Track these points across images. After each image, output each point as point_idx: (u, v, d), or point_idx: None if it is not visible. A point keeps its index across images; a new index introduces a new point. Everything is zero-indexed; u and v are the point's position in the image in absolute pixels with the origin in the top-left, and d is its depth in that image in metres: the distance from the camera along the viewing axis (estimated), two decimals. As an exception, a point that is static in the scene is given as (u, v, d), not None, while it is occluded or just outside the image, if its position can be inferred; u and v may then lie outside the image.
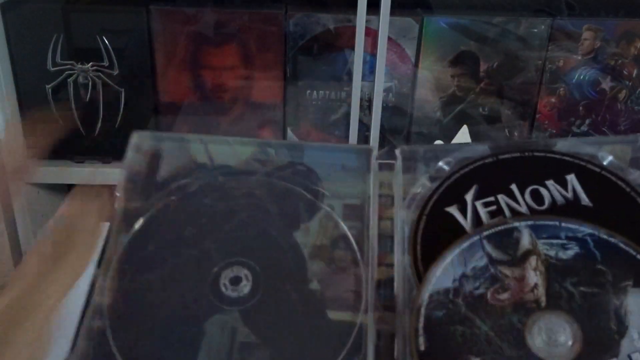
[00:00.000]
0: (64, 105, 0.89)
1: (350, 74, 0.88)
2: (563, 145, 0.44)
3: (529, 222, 0.41)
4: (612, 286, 0.38)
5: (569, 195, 0.42)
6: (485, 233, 0.41)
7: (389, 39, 0.85)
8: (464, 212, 0.42)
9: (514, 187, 0.43)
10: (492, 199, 0.42)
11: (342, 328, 0.39)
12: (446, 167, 0.45)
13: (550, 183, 0.43)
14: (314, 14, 0.86)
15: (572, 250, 0.39)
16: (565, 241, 0.40)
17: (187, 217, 0.43)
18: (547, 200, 0.42)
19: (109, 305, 0.39)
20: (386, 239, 0.43)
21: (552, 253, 0.39)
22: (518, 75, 0.90)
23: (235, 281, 0.40)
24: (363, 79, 0.86)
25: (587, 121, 0.91)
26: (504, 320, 0.38)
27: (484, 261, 0.40)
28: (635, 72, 0.89)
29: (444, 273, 0.39)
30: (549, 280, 0.38)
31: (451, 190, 0.43)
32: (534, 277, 0.39)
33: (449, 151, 0.45)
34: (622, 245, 0.39)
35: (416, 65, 0.89)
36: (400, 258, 0.41)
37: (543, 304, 0.38)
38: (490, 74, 0.90)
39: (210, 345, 0.38)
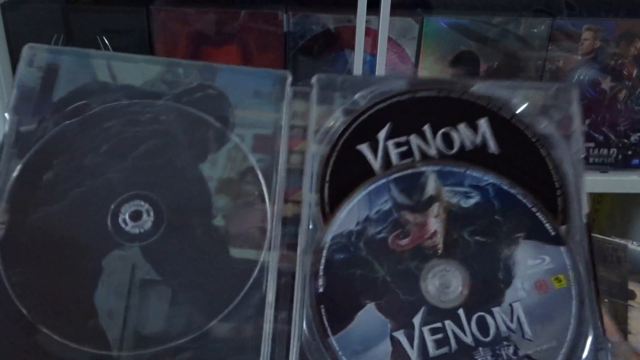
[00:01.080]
0: None
1: (350, 74, 0.87)
2: (480, 87, 0.44)
3: (437, 167, 0.41)
4: (505, 237, 0.39)
5: (478, 141, 0.42)
6: (393, 176, 0.41)
7: (389, 39, 0.84)
8: (375, 150, 0.42)
9: (426, 128, 0.43)
10: (404, 139, 0.42)
11: (244, 266, 0.39)
12: (361, 101, 0.44)
13: (462, 126, 0.43)
14: (314, 14, 0.85)
15: (474, 199, 0.40)
16: (468, 189, 0.41)
17: (86, 143, 0.40)
18: (457, 144, 0.42)
19: (1, 239, 0.37)
20: (295, 173, 0.42)
21: (454, 200, 0.40)
22: (518, 75, 0.89)
23: (136, 216, 0.39)
24: (363, 79, 0.86)
25: (587, 121, 0.92)
26: (402, 265, 0.39)
27: (388, 205, 0.40)
28: (635, 72, 0.89)
29: (348, 215, 0.40)
30: (448, 228, 0.40)
31: (364, 127, 0.43)
32: (434, 223, 0.40)
33: (367, 82, 0.44)
34: (520, 197, 0.40)
35: (416, 65, 0.87)
36: (307, 195, 0.41)
37: (440, 251, 0.39)
38: (490, 74, 0.89)
39: (109, 282, 0.38)
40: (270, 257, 0.39)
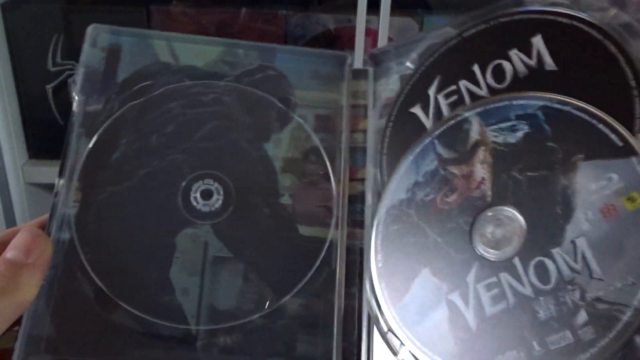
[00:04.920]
0: (64, 105, 0.92)
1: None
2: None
3: (479, 109, 0.39)
4: (561, 164, 0.35)
5: (533, 62, 0.38)
6: (437, 132, 0.40)
7: (389, 39, 0.86)
8: (426, 109, 0.42)
9: (475, 68, 0.41)
10: (453, 87, 0.41)
11: (313, 243, 0.42)
12: (412, 65, 0.44)
13: (514, 53, 0.39)
14: (314, 14, 0.89)
15: (522, 131, 0.37)
16: (515, 122, 0.37)
17: (151, 123, 0.43)
18: (509, 75, 0.39)
19: (75, 216, 0.41)
20: (360, 152, 0.44)
21: (500, 139, 0.38)
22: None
23: (207, 195, 0.42)
24: (363, 78, 0.88)
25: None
26: (452, 223, 0.38)
27: (434, 164, 0.40)
28: None
29: (398, 185, 0.41)
30: (496, 171, 0.37)
31: (416, 88, 0.43)
32: (480, 171, 0.38)
33: (418, 41, 0.44)
34: (574, 112, 0.35)
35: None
36: (371, 171, 0.43)
37: (489, 199, 0.37)
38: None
39: (183, 259, 0.42)
40: (339, 236, 0.42)
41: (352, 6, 0.84)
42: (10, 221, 0.94)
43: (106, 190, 0.41)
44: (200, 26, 0.90)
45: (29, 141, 0.95)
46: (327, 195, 0.43)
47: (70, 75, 0.91)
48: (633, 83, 0.35)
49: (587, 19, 0.37)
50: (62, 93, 0.92)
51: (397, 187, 0.41)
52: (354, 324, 0.41)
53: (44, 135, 0.95)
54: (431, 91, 0.42)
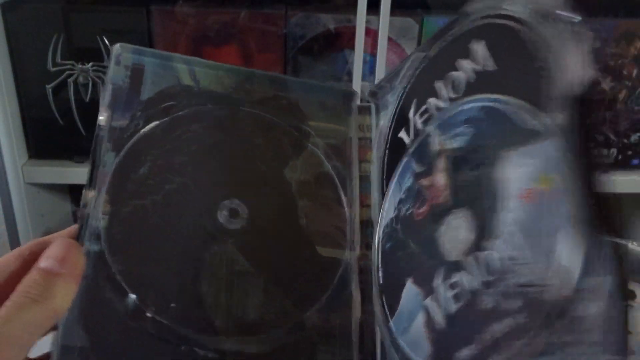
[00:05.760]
0: (64, 105, 0.93)
1: (350, 74, 0.91)
2: (477, 7, 0.42)
3: (438, 122, 0.42)
4: (495, 158, 0.37)
5: (479, 67, 0.41)
6: (411, 150, 0.44)
7: (389, 39, 0.88)
8: (409, 132, 0.45)
9: (439, 84, 0.43)
10: (425, 107, 0.44)
11: (330, 263, 0.46)
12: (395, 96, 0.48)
13: (465, 62, 0.42)
14: (314, 14, 0.90)
15: (467, 135, 0.39)
16: (463, 127, 0.40)
17: (177, 142, 0.45)
18: (463, 83, 0.41)
19: (104, 228, 0.41)
20: (368, 180, 0.48)
21: (454, 145, 0.40)
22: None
23: (232, 213, 0.45)
24: (363, 79, 0.90)
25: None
26: (425, 232, 0.41)
27: (411, 180, 0.43)
28: (635, 72, 0.94)
29: (389, 205, 0.45)
30: (452, 176, 0.40)
31: (401, 115, 0.47)
32: (442, 179, 0.40)
33: (400, 70, 0.48)
34: (501, 106, 0.37)
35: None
36: (376, 197, 0.47)
37: (449, 204, 0.39)
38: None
39: (210, 273, 0.44)
40: (352, 257, 0.46)
41: (352, 6, 0.85)
42: (10, 221, 0.93)
43: (135, 204, 0.43)
44: (200, 26, 0.92)
45: (28, 141, 0.96)
46: (341, 219, 0.47)
47: (70, 76, 0.92)
48: (541, 63, 0.35)
49: (514, 15, 0.39)
50: (62, 93, 0.93)
51: (389, 207, 0.44)
52: (370, 336, 0.44)
53: (44, 135, 0.96)
54: (410, 114, 0.45)
